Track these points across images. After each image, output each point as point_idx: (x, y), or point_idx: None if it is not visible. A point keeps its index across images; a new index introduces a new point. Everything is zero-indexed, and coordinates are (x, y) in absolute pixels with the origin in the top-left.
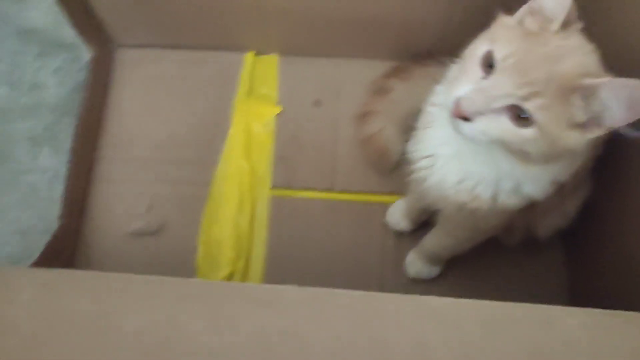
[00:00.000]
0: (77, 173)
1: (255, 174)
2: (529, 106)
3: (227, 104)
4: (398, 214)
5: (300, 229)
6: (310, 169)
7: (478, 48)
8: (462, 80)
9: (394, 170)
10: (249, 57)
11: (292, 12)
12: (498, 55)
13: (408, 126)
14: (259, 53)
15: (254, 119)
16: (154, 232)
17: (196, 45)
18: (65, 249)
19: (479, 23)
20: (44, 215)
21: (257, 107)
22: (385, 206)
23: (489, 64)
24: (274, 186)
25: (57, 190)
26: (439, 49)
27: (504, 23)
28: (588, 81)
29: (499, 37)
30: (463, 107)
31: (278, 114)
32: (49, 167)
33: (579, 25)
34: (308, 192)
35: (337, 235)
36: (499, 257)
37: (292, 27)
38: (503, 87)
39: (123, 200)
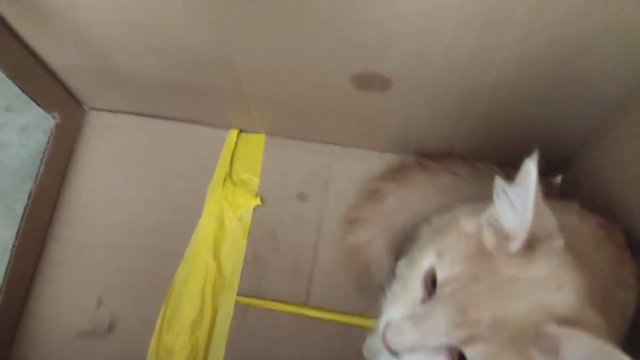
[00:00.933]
0: (26, 252)
1: (222, 275)
2: (469, 353)
3: (201, 187)
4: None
5: (264, 346)
6: (285, 274)
7: (424, 258)
8: (399, 298)
9: (378, 290)
10: (232, 134)
11: (281, 99)
12: (439, 276)
13: (400, 242)
14: (243, 131)
15: (229, 210)
16: (102, 333)
17: (174, 116)
18: (2, 338)
19: (491, 132)
20: None
21: (234, 195)
22: (364, 331)
23: (432, 283)
24: (241, 292)
25: (3, 268)
26: (446, 151)
27: (462, 228)
28: (548, 329)
29: (448, 249)
30: (388, 338)
31: (256, 206)
32: None
33: (558, 243)
34: (278, 304)
35: (304, 357)
36: None
37: (281, 110)
38: (439, 321)
39: (72, 288)
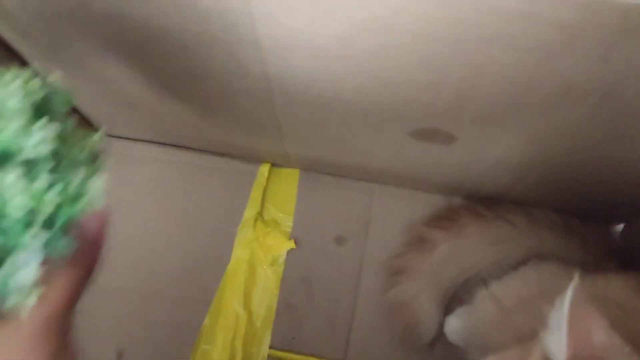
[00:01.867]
0: None
1: (253, 326)
2: None
3: (230, 227)
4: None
5: None
6: (320, 326)
7: None
8: None
9: (424, 348)
10: (264, 169)
11: (322, 140)
12: None
13: (451, 297)
14: (276, 165)
15: (261, 253)
16: None
17: (201, 147)
18: None
19: (557, 182)
20: None
21: (266, 237)
22: None
23: None
24: (273, 345)
25: None
26: (500, 196)
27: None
28: None
29: None
30: None
31: (290, 249)
32: None
33: None
34: None
35: None
36: None
37: (320, 147)
38: None
39: (90, 339)
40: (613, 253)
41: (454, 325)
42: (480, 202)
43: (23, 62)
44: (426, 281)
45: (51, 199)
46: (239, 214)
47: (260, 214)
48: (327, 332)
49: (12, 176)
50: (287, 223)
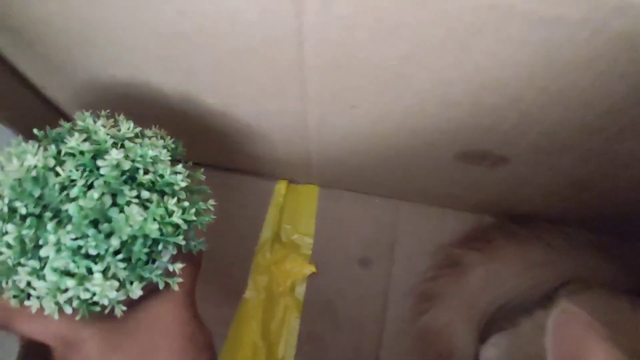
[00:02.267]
0: None
1: (273, 357)
2: None
3: (246, 251)
4: None
5: None
6: (346, 356)
7: None
8: None
9: None
10: (280, 186)
11: (351, 159)
12: None
13: (486, 324)
14: (293, 181)
15: (279, 280)
16: None
17: (211, 162)
18: None
19: (596, 205)
20: None
21: (285, 261)
22: None
23: None
24: None
25: None
26: (532, 214)
27: None
28: None
29: None
30: None
31: (311, 274)
32: None
33: None
34: None
35: None
36: None
37: (346, 165)
38: None
39: None
40: None
41: (492, 354)
42: (514, 220)
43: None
44: (460, 307)
45: (190, 216)
46: (255, 236)
47: (277, 235)
48: None
49: (172, 201)
50: (307, 245)
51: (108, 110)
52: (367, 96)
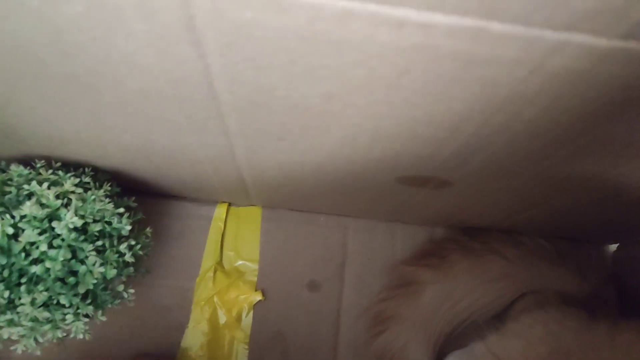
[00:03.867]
0: None
1: None
2: None
3: (187, 284)
4: None
5: None
6: None
7: None
8: None
9: None
10: (220, 210)
11: (290, 185)
12: None
13: (442, 343)
14: (233, 204)
15: (224, 310)
16: None
17: (144, 189)
18: None
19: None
20: None
21: (228, 290)
22: None
23: None
24: None
25: None
26: (496, 226)
27: None
28: None
29: None
30: None
31: (257, 301)
32: None
33: None
34: None
35: None
36: None
37: (287, 189)
38: None
39: None
40: (609, 279)
41: None
42: (466, 232)
43: None
44: (415, 328)
45: (137, 251)
46: (196, 265)
47: (219, 263)
48: None
49: (124, 245)
50: (252, 271)
51: (42, 161)
52: (293, 129)
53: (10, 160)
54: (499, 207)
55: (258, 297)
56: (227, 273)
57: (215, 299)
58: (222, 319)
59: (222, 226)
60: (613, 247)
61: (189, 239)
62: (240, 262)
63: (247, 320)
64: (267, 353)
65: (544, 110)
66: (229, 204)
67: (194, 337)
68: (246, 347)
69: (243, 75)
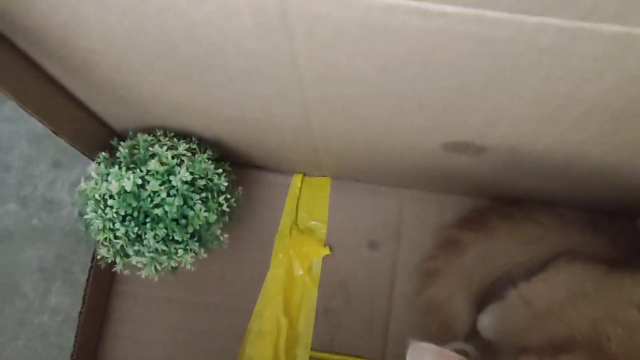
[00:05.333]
0: (91, 316)
1: (294, 330)
2: None
3: (267, 238)
4: None
5: None
6: (358, 328)
7: None
8: None
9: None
10: (296, 179)
11: (355, 154)
12: None
13: (482, 295)
14: (307, 174)
15: (298, 261)
16: None
17: (237, 161)
18: None
19: (583, 184)
20: None
21: (302, 245)
22: None
23: None
24: (315, 347)
25: (67, 337)
26: (528, 196)
27: None
28: None
29: None
30: None
31: (325, 255)
32: (60, 308)
33: None
34: (354, 359)
35: None
36: None
37: (352, 159)
38: None
39: (139, 349)
40: (639, 247)
41: (486, 323)
42: (508, 203)
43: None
44: (458, 282)
45: (232, 203)
46: (275, 224)
47: (295, 223)
48: (365, 333)
49: (222, 197)
50: (322, 230)
51: (161, 131)
52: (355, 101)
53: (136, 130)
54: (530, 175)
55: (326, 251)
56: (301, 231)
57: (291, 251)
58: (297, 268)
59: (298, 193)
60: None
61: (270, 202)
62: (312, 223)
63: (316, 271)
64: (332, 299)
65: (544, 80)
66: (304, 175)
67: (273, 281)
68: (315, 292)
69: (319, 54)
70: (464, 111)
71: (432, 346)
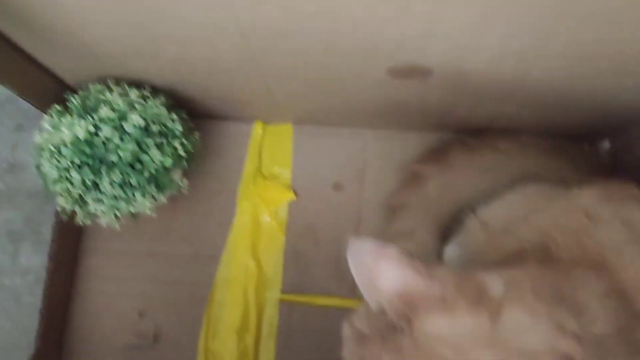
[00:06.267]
0: (60, 273)
1: (263, 274)
2: None
3: (232, 186)
4: None
5: (315, 342)
6: (328, 268)
7: None
8: None
9: None
10: (257, 127)
11: (309, 92)
12: None
13: (446, 227)
14: (268, 122)
15: (263, 207)
16: (148, 345)
17: (192, 113)
18: None
19: (539, 107)
20: (27, 327)
21: (266, 191)
22: None
23: None
24: (285, 290)
25: (40, 296)
26: (488, 126)
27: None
28: None
29: None
30: None
31: (291, 200)
32: (31, 268)
33: None
34: (324, 299)
35: None
36: None
37: (310, 101)
38: None
39: (111, 302)
40: (601, 170)
41: (451, 254)
42: (469, 134)
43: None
44: (422, 215)
45: (188, 148)
46: (239, 172)
47: (258, 169)
48: (335, 273)
49: (177, 141)
50: (286, 176)
51: (113, 80)
52: (290, 25)
53: (89, 83)
54: (482, 100)
55: (291, 196)
56: (265, 177)
57: (256, 198)
58: (262, 214)
59: (260, 140)
60: (607, 144)
61: (233, 151)
62: (276, 168)
63: (282, 216)
64: (300, 242)
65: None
66: (265, 123)
67: (239, 228)
68: (282, 237)
69: None
70: (398, 24)
71: (371, 241)
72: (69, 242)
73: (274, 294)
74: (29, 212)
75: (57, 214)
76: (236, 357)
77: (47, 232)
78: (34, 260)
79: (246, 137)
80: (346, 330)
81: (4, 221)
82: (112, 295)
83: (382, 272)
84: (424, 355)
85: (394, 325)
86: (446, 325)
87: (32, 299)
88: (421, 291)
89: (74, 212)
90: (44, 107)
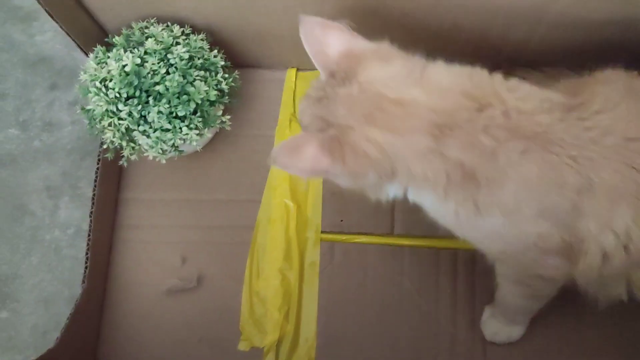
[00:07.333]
0: (101, 224)
1: (303, 214)
2: None
3: (268, 132)
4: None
5: (356, 280)
6: (366, 206)
7: None
8: None
9: None
10: (290, 73)
11: None
12: None
13: None
14: (301, 69)
15: None
16: (191, 288)
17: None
18: (92, 316)
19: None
20: (68, 279)
21: None
22: (451, 252)
23: None
24: (324, 230)
25: (81, 248)
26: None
27: None
28: None
29: None
30: None
31: None
32: (70, 222)
33: None
34: (364, 237)
35: (399, 287)
36: (595, 317)
37: None
38: None
39: (152, 250)
40: None
41: None
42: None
43: None
44: None
45: (230, 83)
46: (275, 117)
47: (293, 115)
48: (373, 211)
49: (220, 75)
50: None
51: (154, 18)
52: None
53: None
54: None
55: None
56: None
57: None
58: None
59: (293, 86)
60: None
61: (267, 98)
62: None
63: None
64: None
65: None
66: (297, 69)
67: (278, 171)
68: (319, 180)
69: None
70: None
71: (318, 19)
72: (109, 193)
73: (314, 234)
74: (66, 168)
75: (98, 162)
76: (281, 295)
77: (85, 186)
78: (74, 214)
79: (280, 83)
80: (305, 101)
81: (42, 178)
82: (153, 243)
83: (330, 39)
84: (368, 95)
85: (343, 81)
86: (385, 71)
87: (73, 251)
88: (363, 49)
89: (118, 154)
90: (87, 47)
